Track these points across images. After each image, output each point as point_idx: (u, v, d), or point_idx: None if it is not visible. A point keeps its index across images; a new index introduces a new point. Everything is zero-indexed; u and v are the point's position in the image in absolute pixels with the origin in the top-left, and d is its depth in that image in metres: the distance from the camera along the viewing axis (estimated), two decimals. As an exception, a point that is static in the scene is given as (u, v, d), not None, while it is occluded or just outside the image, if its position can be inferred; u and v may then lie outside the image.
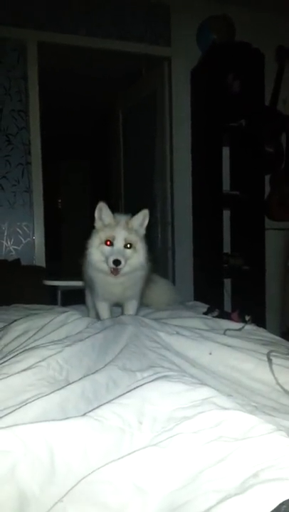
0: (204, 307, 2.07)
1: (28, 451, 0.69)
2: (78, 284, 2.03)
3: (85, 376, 1.00)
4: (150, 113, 3.79)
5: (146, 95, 3.85)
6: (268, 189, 3.46)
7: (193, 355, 1.26)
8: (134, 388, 0.90)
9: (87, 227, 1.68)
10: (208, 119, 3.28)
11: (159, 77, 3.63)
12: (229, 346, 1.32)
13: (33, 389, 0.95)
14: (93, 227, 1.64)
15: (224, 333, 1.51)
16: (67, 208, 7.61)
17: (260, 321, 1.99)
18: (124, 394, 0.88)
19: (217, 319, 1.79)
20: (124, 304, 1.77)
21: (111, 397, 0.88)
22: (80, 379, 0.98)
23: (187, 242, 3.53)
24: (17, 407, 0.84)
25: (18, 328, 1.47)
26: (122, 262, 1.53)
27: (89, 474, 0.66)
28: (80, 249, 1.68)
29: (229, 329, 1.59)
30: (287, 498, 0.55)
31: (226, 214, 3.48)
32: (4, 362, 1.12)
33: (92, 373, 1.01)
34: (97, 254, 1.59)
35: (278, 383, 1.13)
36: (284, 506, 0.54)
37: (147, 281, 1.79)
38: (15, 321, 1.56)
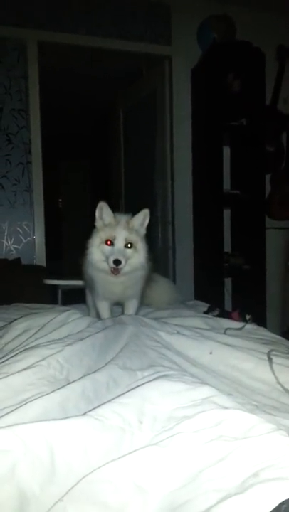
0: (205, 306, 2.07)
1: (28, 450, 0.69)
2: (79, 283, 2.03)
3: (85, 375, 1.00)
4: (150, 112, 3.79)
5: (147, 94, 3.84)
6: (268, 188, 3.46)
7: (194, 354, 1.26)
8: (135, 387, 0.90)
9: (88, 227, 1.68)
10: (208, 118, 3.28)
11: (160, 76, 3.63)
12: (230, 345, 1.32)
13: (34, 388, 0.95)
14: (94, 226, 1.64)
15: (224, 333, 1.51)
16: (68, 207, 7.61)
17: (260, 320, 2.00)
18: (124, 393, 0.88)
19: (217, 318, 1.79)
20: (125, 303, 1.77)
21: (111, 397, 0.88)
22: (80, 378, 0.98)
23: (188, 241, 3.53)
24: (17, 406, 0.84)
25: (18, 327, 1.47)
26: (123, 262, 1.53)
27: (89, 473, 0.66)
28: (80, 249, 1.68)
29: (230, 328, 1.59)
30: (287, 498, 0.54)
31: (227, 213, 3.48)
32: (4, 361, 1.12)
33: (93, 372, 1.01)
34: (97, 253, 1.59)
35: (279, 382, 1.13)
36: (284, 506, 0.54)
37: (148, 281, 1.79)
38: (15, 319, 1.56)
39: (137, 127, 4.11)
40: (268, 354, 1.24)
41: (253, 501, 0.56)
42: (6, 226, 3.24)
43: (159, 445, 0.71)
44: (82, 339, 1.24)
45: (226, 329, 1.57)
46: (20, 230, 3.27)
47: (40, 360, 1.06)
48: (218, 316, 1.89)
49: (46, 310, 1.83)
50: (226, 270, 3.30)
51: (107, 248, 1.57)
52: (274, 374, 1.15)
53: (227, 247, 3.45)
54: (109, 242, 1.57)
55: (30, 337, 1.37)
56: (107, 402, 0.83)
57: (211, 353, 1.26)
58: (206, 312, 1.96)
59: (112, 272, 1.55)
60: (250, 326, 1.65)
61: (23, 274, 2.85)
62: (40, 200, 3.30)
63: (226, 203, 3.36)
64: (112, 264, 1.53)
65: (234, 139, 3.40)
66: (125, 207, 4.31)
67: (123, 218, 1.61)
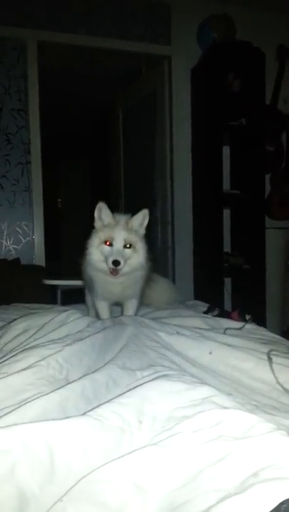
0: (204, 306, 2.07)
1: (27, 450, 0.68)
2: (78, 283, 2.03)
3: (84, 375, 1.00)
4: (150, 112, 3.79)
5: (147, 94, 3.84)
6: (268, 188, 3.46)
7: (194, 354, 1.26)
8: (134, 387, 0.90)
9: (87, 227, 1.68)
10: (208, 118, 3.28)
11: (159, 76, 3.63)
12: (229, 345, 1.32)
13: (33, 388, 0.95)
14: (93, 226, 1.64)
15: (224, 333, 1.51)
16: (67, 207, 7.60)
17: (260, 320, 2.00)
18: (124, 393, 0.88)
19: (217, 318, 1.79)
20: (124, 303, 1.77)
21: (111, 396, 0.88)
22: (79, 378, 0.97)
23: (187, 241, 3.53)
24: (17, 406, 0.84)
25: (18, 327, 1.47)
26: (122, 263, 1.53)
27: (89, 474, 0.66)
28: (79, 249, 1.68)
29: (229, 328, 1.59)
30: (287, 498, 0.54)
31: (226, 213, 3.48)
32: (4, 361, 1.12)
33: (92, 372, 1.01)
34: (96, 254, 1.59)
35: (278, 382, 1.13)
36: (284, 505, 0.54)
37: (147, 281, 1.79)
38: (15, 319, 1.56)
39: (136, 127, 4.11)
40: (268, 354, 1.23)
41: (253, 501, 0.56)
42: (5, 226, 3.24)
43: (158, 445, 0.71)
44: (81, 339, 1.24)
45: (226, 329, 1.57)
46: (19, 230, 3.27)
47: (39, 360, 1.05)
48: (218, 316, 1.89)
49: (45, 310, 1.83)
50: (225, 270, 3.30)
51: (106, 249, 1.57)
52: (274, 374, 1.15)
53: (227, 247, 3.45)
54: (108, 243, 1.57)
55: (30, 337, 1.36)
56: (107, 402, 0.83)
57: (210, 353, 1.26)
58: (205, 312, 1.96)
59: (111, 272, 1.55)
60: (249, 326, 1.65)
61: (22, 274, 2.85)
62: (40, 200, 3.30)
63: (226, 203, 3.36)
64: (110, 265, 1.53)
65: (234, 139, 3.40)
66: (125, 207, 4.31)
67: (122, 219, 1.61)
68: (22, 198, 3.25)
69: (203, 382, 0.98)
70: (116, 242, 1.56)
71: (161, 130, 3.64)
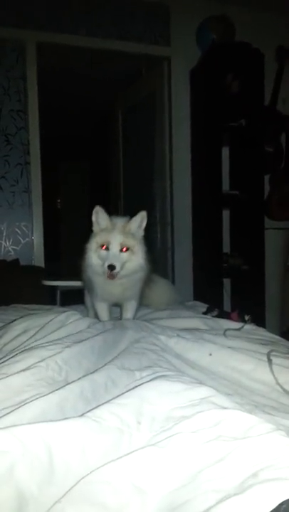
0: (204, 307, 2.07)
1: (26, 451, 0.68)
2: (77, 284, 2.03)
3: (83, 376, 1.00)
4: (150, 113, 3.79)
5: (146, 95, 3.84)
6: (267, 189, 3.46)
7: (194, 357, 1.26)
8: (133, 388, 0.90)
9: (86, 229, 1.68)
10: (207, 119, 3.28)
11: (159, 77, 3.63)
12: (229, 347, 1.32)
13: (32, 389, 0.95)
14: (92, 230, 1.64)
15: (224, 333, 1.51)
16: (67, 208, 7.61)
17: (259, 321, 1.99)
18: (122, 394, 0.88)
19: (217, 319, 1.79)
20: (123, 304, 1.77)
21: (109, 397, 0.88)
22: (78, 379, 0.97)
23: (187, 242, 3.53)
24: (15, 407, 0.84)
25: (17, 328, 1.47)
26: (117, 267, 1.53)
27: (87, 474, 0.66)
28: (78, 250, 1.68)
29: (229, 329, 1.58)
30: (286, 498, 0.54)
31: (226, 214, 3.48)
32: (3, 362, 1.12)
33: (91, 373, 1.01)
34: (94, 258, 1.61)
35: (278, 383, 1.12)
36: (283, 506, 0.53)
37: (147, 282, 1.79)
38: (14, 320, 1.56)
39: (136, 128, 4.11)
40: (268, 355, 1.23)
41: (252, 502, 0.56)
42: (4, 227, 3.24)
43: (157, 446, 0.71)
44: (81, 340, 1.23)
45: (226, 330, 1.57)
46: (18, 231, 3.27)
47: (39, 362, 1.05)
48: (217, 316, 1.89)
49: (45, 311, 1.82)
50: (225, 271, 3.30)
51: (103, 253, 1.58)
52: (273, 375, 1.15)
53: (226, 248, 3.45)
54: (104, 247, 1.57)
55: (30, 338, 1.36)
56: (105, 402, 0.83)
57: (210, 355, 1.26)
58: (205, 313, 1.95)
59: (108, 276, 1.55)
60: (249, 327, 1.65)
61: (21, 275, 2.85)
62: (39, 201, 3.30)
63: (225, 204, 3.36)
64: (106, 270, 1.53)
65: (233, 140, 3.40)
66: (124, 208, 4.31)
67: (119, 222, 1.61)
68: (21, 199, 3.25)
69: (201, 383, 0.98)
70: (112, 246, 1.57)
71: (161, 131, 3.64)
